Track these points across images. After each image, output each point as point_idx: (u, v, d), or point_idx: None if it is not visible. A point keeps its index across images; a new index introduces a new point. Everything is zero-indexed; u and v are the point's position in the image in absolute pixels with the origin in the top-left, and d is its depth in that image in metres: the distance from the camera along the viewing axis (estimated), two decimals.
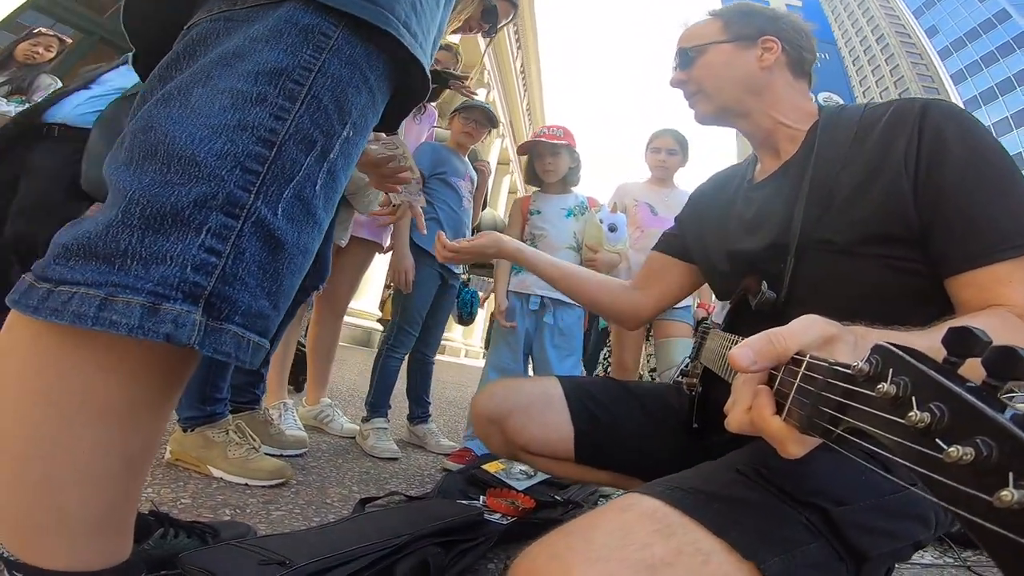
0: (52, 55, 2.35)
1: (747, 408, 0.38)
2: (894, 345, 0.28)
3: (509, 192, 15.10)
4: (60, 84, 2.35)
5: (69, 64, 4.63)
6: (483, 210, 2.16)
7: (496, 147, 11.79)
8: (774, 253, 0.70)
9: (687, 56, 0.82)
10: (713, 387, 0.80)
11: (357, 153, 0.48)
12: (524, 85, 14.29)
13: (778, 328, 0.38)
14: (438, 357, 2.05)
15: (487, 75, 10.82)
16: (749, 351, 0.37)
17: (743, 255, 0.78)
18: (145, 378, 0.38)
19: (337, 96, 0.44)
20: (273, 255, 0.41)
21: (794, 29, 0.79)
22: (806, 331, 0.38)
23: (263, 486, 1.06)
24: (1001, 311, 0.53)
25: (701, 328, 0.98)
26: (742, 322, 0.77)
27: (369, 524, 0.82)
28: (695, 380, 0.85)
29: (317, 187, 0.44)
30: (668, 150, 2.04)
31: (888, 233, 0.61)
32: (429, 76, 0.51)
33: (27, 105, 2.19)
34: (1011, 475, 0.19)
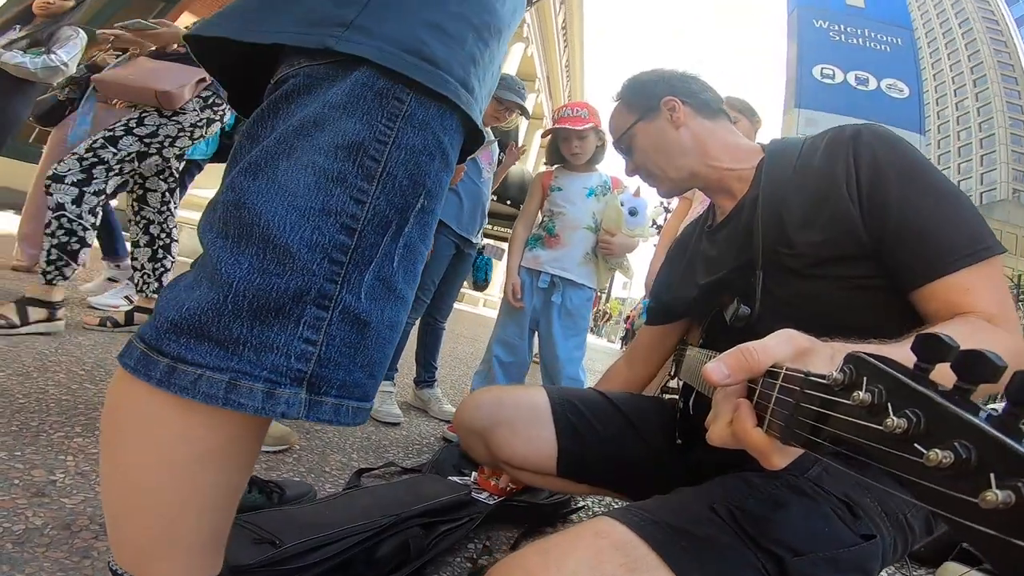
0: (71, 4, 2.30)
1: (728, 422, 0.38)
2: (866, 354, 0.28)
3: (541, 147, 14.72)
4: (81, 35, 2.32)
5: (109, 14, 4.57)
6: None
7: (531, 101, 11.43)
8: (742, 272, 0.73)
9: (621, 149, 0.88)
10: (695, 402, 0.80)
11: (434, 220, 0.49)
12: (565, 41, 13.65)
13: (751, 342, 0.38)
14: (456, 305, 2.10)
15: (526, 29, 10.34)
16: (722, 366, 0.37)
17: (713, 284, 0.79)
18: (241, 426, 0.43)
19: (411, 170, 0.44)
20: (361, 335, 0.44)
21: (682, 80, 0.84)
22: (779, 345, 0.38)
23: (267, 452, 1.11)
24: (970, 317, 0.54)
25: (678, 346, 0.97)
26: (718, 338, 0.78)
27: (360, 501, 0.86)
28: (677, 396, 0.85)
29: (395, 264, 0.45)
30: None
31: (842, 254, 0.63)
32: (482, 128, 0.51)
33: (44, 57, 2.19)
34: (992, 476, 0.20)
